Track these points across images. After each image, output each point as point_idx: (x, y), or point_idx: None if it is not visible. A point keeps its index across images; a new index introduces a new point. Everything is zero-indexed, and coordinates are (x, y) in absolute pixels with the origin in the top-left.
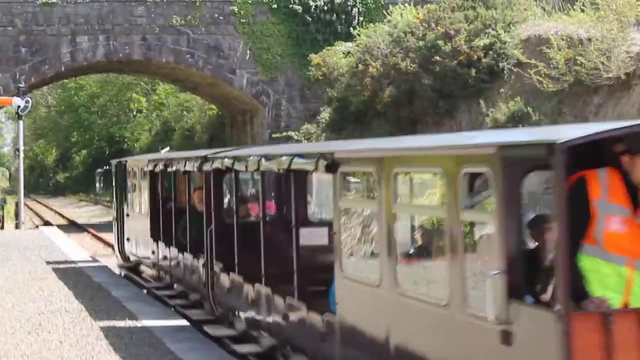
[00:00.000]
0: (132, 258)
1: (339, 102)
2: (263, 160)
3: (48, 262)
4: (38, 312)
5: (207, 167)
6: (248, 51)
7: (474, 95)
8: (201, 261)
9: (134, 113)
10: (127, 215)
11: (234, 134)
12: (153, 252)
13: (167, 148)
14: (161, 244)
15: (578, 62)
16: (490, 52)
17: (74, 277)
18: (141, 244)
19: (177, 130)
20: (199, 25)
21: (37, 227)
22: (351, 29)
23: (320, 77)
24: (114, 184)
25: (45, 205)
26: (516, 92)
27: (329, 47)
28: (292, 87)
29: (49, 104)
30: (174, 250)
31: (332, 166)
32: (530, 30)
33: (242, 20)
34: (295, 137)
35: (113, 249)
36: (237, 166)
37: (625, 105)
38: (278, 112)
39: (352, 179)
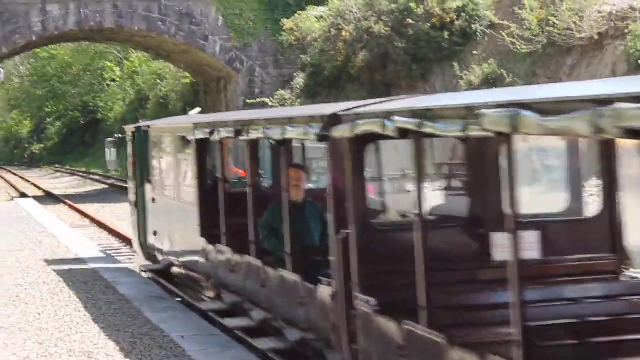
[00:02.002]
0: (160, 258)
1: (312, 67)
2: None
3: (24, 234)
4: (15, 284)
5: (342, 132)
6: (220, 17)
7: (447, 58)
8: (324, 289)
9: (108, 82)
10: (153, 200)
11: (208, 101)
12: (204, 258)
13: (198, 109)
14: (222, 249)
15: (551, 22)
16: (463, 14)
17: (50, 248)
18: (179, 242)
19: (151, 99)
20: None
21: (12, 199)
22: None
23: (293, 43)
24: (130, 157)
25: (20, 177)
26: (490, 54)
27: (301, 12)
28: (266, 53)
29: (21, 74)
30: (251, 261)
31: None
32: None
33: None
34: (270, 104)
35: (129, 243)
36: (428, 127)
37: (599, 65)
38: (252, 79)
39: None
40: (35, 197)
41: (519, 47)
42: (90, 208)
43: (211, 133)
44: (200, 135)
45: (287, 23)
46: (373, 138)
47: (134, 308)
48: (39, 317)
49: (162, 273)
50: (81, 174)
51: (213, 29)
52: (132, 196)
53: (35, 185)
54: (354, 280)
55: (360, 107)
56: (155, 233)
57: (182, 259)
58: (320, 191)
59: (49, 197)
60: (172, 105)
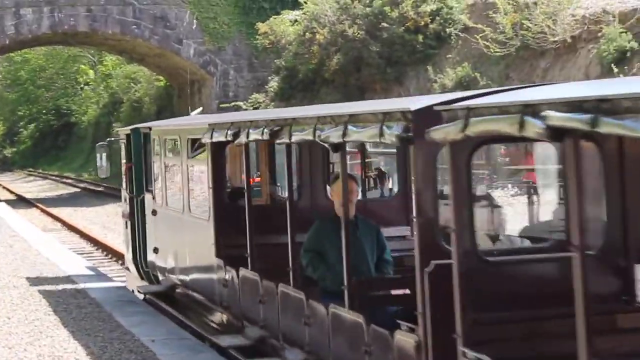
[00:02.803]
0: (161, 278)
1: (287, 70)
2: None
3: None
4: None
5: (447, 132)
6: (195, 21)
7: (421, 61)
8: (404, 338)
9: (81, 85)
10: (154, 213)
11: (182, 105)
12: (222, 284)
13: (200, 109)
14: (248, 275)
15: (524, 26)
16: (437, 18)
17: (21, 252)
18: (187, 262)
19: (125, 102)
20: None
21: None
22: None
23: (268, 46)
24: (125, 162)
25: None
26: (463, 58)
27: (276, 16)
28: (240, 57)
29: None
30: (290, 293)
31: None
32: None
33: None
34: (244, 107)
35: (121, 259)
36: (608, 126)
37: (572, 68)
38: (226, 82)
39: None
40: (7, 201)
41: (492, 51)
42: (62, 212)
43: (235, 135)
44: (218, 137)
45: (262, 27)
46: (485, 141)
47: (104, 312)
48: (8, 321)
49: (162, 295)
50: (54, 177)
51: (187, 33)
52: (125, 207)
53: (7, 189)
54: (457, 330)
55: (461, 99)
56: (155, 250)
57: (189, 282)
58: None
59: (21, 201)
60: (145, 109)
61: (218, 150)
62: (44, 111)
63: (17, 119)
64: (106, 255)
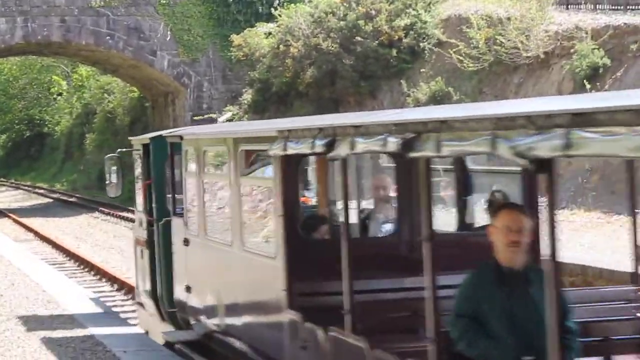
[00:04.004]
0: (193, 322)
1: (261, 83)
2: None
3: None
4: None
5: None
6: (169, 32)
7: (395, 75)
8: None
9: (54, 96)
10: (186, 242)
11: (156, 117)
12: (299, 345)
13: (230, 114)
14: (348, 340)
15: (498, 41)
16: (411, 32)
17: None
18: (237, 308)
19: (98, 113)
20: (118, 6)
21: None
22: (272, 9)
23: (242, 58)
24: (140, 179)
25: None
26: (437, 72)
27: (250, 28)
28: (214, 69)
29: None
30: None
31: None
32: (450, 9)
33: (162, 1)
34: (218, 119)
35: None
36: None
37: (545, 84)
38: (200, 94)
39: None
40: None
41: (466, 65)
42: (34, 222)
43: (329, 145)
44: (297, 148)
45: (236, 39)
46: None
47: (76, 322)
48: None
49: (195, 344)
50: (26, 187)
51: (161, 44)
52: (141, 233)
53: None
54: None
55: None
56: (188, 289)
57: (239, 334)
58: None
59: None
60: (119, 120)
61: (291, 166)
62: (16, 121)
63: None
64: (79, 266)
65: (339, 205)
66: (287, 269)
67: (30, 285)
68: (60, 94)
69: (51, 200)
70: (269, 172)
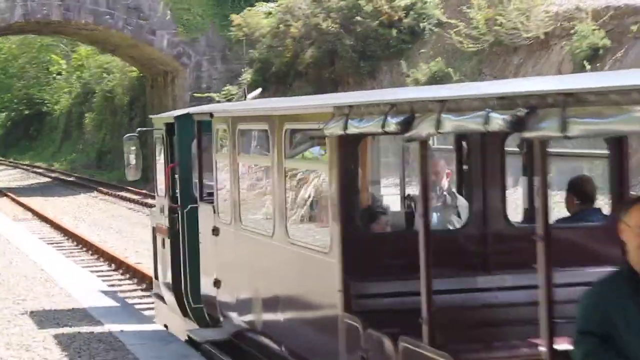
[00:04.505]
0: (222, 319)
1: (260, 63)
2: None
3: None
4: None
5: None
6: (168, 11)
7: (395, 55)
8: None
9: (54, 75)
10: (216, 232)
11: (155, 96)
12: (361, 356)
13: (259, 90)
14: (420, 351)
15: (498, 21)
16: (411, 12)
17: None
18: (277, 307)
19: (97, 93)
20: None
21: None
22: None
23: (241, 38)
24: (161, 161)
25: None
26: (437, 53)
27: (250, 8)
28: (214, 48)
29: None
30: None
31: None
32: None
33: None
34: (217, 99)
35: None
36: None
37: (545, 64)
38: (199, 74)
39: None
40: None
41: (465, 46)
42: (33, 201)
43: (406, 123)
44: (361, 126)
45: (236, 18)
46: None
47: (74, 301)
48: None
49: (225, 344)
50: (25, 166)
51: (161, 23)
52: (163, 220)
53: None
54: None
55: None
56: (217, 283)
57: (281, 336)
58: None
59: None
60: (118, 99)
61: (349, 148)
62: (15, 100)
63: None
64: (77, 245)
65: (382, 191)
66: (344, 266)
67: (28, 264)
68: (59, 73)
69: (50, 179)
70: (316, 152)
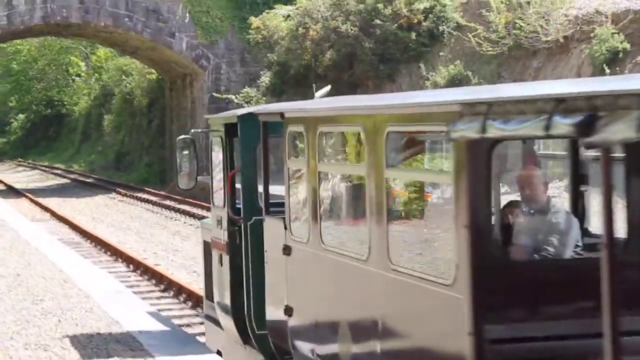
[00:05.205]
0: (294, 352)
1: (279, 66)
2: None
3: None
4: None
5: None
6: (187, 14)
7: (414, 58)
8: None
9: (73, 77)
10: (287, 251)
11: (174, 98)
12: None
13: (328, 87)
14: None
15: (517, 25)
16: (430, 15)
17: (10, 242)
18: (374, 347)
19: (116, 95)
20: None
21: None
22: None
23: (260, 41)
24: (219, 168)
25: None
26: (456, 56)
27: (269, 10)
28: (232, 51)
29: None
30: None
31: None
32: None
33: None
34: (236, 101)
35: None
36: None
37: (564, 68)
38: (218, 76)
39: None
40: None
41: (485, 49)
42: (51, 202)
43: (586, 125)
44: (505, 130)
45: (254, 21)
46: None
47: (92, 302)
48: None
49: None
50: (43, 168)
51: (180, 26)
52: (221, 234)
53: None
54: None
55: None
56: (288, 310)
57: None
58: None
59: (10, 191)
60: (137, 101)
61: (481, 156)
62: (35, 102)
63: (8, 110)
64: (95, 246)
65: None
66: (475, 303)
67: (47, 265)
68: (78, 75)
69: (68, 180)
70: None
